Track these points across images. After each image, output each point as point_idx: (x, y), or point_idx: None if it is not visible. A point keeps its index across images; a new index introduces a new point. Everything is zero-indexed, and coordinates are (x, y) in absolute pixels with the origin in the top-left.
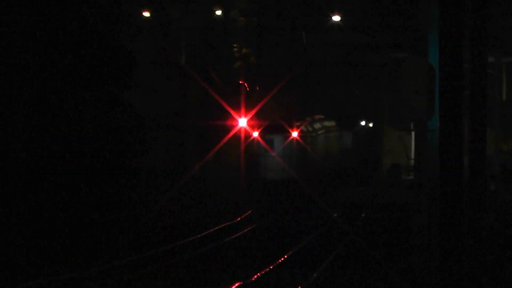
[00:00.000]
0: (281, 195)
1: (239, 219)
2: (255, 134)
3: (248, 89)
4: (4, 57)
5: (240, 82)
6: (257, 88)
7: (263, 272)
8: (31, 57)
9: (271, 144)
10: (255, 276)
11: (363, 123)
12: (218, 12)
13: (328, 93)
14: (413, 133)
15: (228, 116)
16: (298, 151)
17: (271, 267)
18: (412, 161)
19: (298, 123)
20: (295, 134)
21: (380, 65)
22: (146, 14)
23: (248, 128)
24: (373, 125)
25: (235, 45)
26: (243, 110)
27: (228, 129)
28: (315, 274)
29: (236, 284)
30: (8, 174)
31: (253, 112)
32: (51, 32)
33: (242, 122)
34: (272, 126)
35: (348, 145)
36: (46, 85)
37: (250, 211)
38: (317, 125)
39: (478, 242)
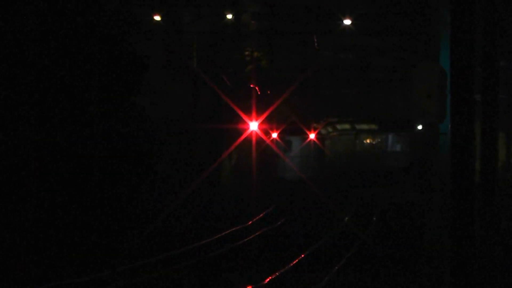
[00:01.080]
0: (298, 195)
1: (250, 223)
2: (274, 135)
3: (259, 92)
4: (18, 62)
5: (251, 85)
6: (268, 92)
7: (273, 276)
8: (44, 61)
9: (289, 145)
10: (267, 280)
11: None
12: (229, 16)
13: (349, 95)
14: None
15: (239, 119)
16: (316, 152)
17: (281, 271)
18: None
19: (315, 125)
20: (312, 136)
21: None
22: (157, 18)
23: (259, 132)
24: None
25: (246, 49)
26: (254, 113)
27: (240, 132)
28: (326, 277)
29: None
30: (22, 178)
31: (264, 115)
32: (63, 35)
33: (253, 125)
34: (290, 128)
35: (378, 147)
36: (57, 90)
37: (262, 214)
38: (341, 126)
39: (490, 247)
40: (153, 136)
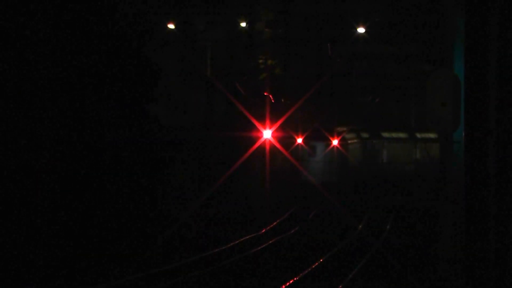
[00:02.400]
0: (316, 199)
1: (263, 231)
2: (299, 140)
3: (273, 100)
4: (35, 69)
5: (265, 93)
6: (283, 100)
7: (287, 284)
8: (60, 67)
9: (313, 151)
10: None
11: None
12: (243, 24)
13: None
14: None
15: (253, 127)
16: (339, 158)
17: (295, 279)
18: None
19: (339, 132)
20: (335, 142)
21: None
22: (171, 26)
23: (272, 140)
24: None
25: (260, 57)
26: (268, 121)
27: (254, 140)
28: (341, 286)
29: None
30: (39, 183)
31: (279, 123)
32: (78, 43)
33: (267, 133)
34: (314, 134)
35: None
36: (73, 97)
37: (276, 222)
38: (364, 134)
39: (506, 256)
40: (167, 144)
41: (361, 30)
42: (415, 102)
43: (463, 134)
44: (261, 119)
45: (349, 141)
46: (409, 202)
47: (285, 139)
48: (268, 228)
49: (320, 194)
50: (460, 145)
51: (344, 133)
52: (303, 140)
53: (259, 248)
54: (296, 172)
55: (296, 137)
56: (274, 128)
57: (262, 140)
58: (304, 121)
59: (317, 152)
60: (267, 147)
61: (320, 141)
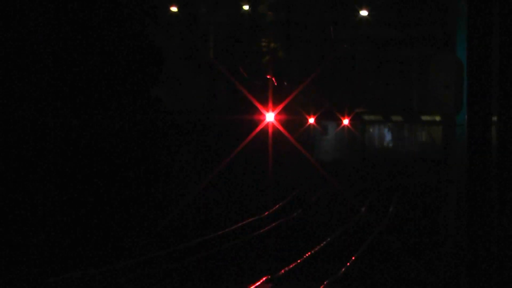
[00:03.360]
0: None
1: (266, 213)
2: (311, 120)
3: (276, 83)
4: (36, 55)
5: (268, 76)
6: (285, 82)
7: (291, 266)
8: (59, 53)
9: (325, 130)
10: (283, 271)
11: None
12: (246, 7)
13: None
14: None
15: (256, 110)
16: (349, 137)
17: (298, 261)
18: None
19: (349, 112)
20: (346, 121)
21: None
22: (174, 9)
23: (275, 122)
24: None
25: (263, 40)
26: (271, 104)
27: (257, 123)
28: (343, 269)
29: (264, 278)
30: (41, 170)
31: (281, 106)
32: (79, 27)
33: (270, 116)
34: (326, 114)
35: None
36: (75, 83)
37: (277, 206)
38: (370, 117)
39: (508, 240)
40: (170, 127)
41: (364, 13)
42: (418, 85)
43: (466, 117)
44: (264, 102)
45: (358, 122)
46: (412, 183)
47: (292, 121)
48: (270, 211)
49: (325, 178)
50: (462, 128)
51: (354, 114)
52: (315, 120)
53: (262, 231)
54: (300, 154)
55: (308, 117)
56: (277, 111)
57: (265, 123)
58: (312, 103)
59: (329, 132)
60: (270, 129)
61: (331, 121)
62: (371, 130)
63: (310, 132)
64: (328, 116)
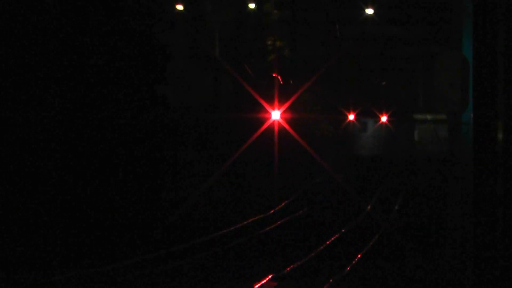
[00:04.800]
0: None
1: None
2: (351, 117)
3: (281, 82)
4: (41, 53)
5: (274, 75)
6: (291, 81)
7: (295, 265)
8: (64, 51)
9: (364, 127)
10: (288, 268)
11: None
12: (252, 5)
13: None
14: None
15: (261, 108)
16: (386, 134)
17: (307, 259)
18: None
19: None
20: (384, 118)
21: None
22: (180, 7)
23: (281, 121)
24: None
25: (268, 38)
26: (276, 103)
27: (262, 121)
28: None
29: (269, 276)
30: (46, 169)
31: (287, 104)
32: (85, 25)
33: (276, 114)
34: (365, 111)
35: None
36: (81, 80)
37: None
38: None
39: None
40: (176, 125)
41: (369, 11)
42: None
43: (472, 115)
44: (270, 100)
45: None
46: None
47: (299, 119)
48: (277, 208)
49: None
50: (468, 126)
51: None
52: (355, 117)
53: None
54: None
55: (348, 114)
56: (282, 109)
57: (270, 121)
58: (321, 101)
59: (368, 128)
60: (276, 128)
61: (370, 117)
62: (420, 127)
63: (349, 129)
64: (367, 113)
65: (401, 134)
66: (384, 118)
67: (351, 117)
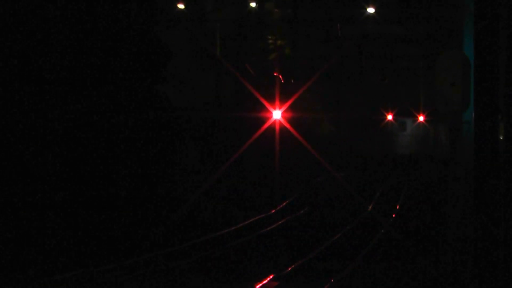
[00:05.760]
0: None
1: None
2: (390, 117)
3: (283, 81)
4: (40, 53)
5: (275, 74)
6: (292, 80)
7: (296, 265)
8: (65, 50)
9: (403, 126)
10: (289, 268)
11: None
12: (253, 4)
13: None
14: None
15: (262, 108)
16: (423, 133)
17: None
18: None
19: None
20: (421, 118)
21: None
22: (181, 6)
23: (282, 120)
24: None
25: (270, 37)
26: (277, 102)
27: (263, 120)
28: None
29: (270, 276)
30: (44, 168)
31: (288, 103)
32: (86, 24)
33: (277, 114)
34: (402, 111)
35: None
36: (81, 79)
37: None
38: None
39: None
40: (177, 124)
41: (370, 10)
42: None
43: (473, 114)
44: (271, 100)
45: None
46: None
47: (300, 118)
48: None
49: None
50: (469, 125)
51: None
52: (393, 117)
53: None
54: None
55: (386, 114)
56: (284, 108)
57: (272, 120)
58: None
59: (406, 127)
60: (277, 127)
61: (408, 117)
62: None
63: (388, 128)
64: (405, 113)
65: (438, 133)
66: (421, 118)
67: (390, 117)
